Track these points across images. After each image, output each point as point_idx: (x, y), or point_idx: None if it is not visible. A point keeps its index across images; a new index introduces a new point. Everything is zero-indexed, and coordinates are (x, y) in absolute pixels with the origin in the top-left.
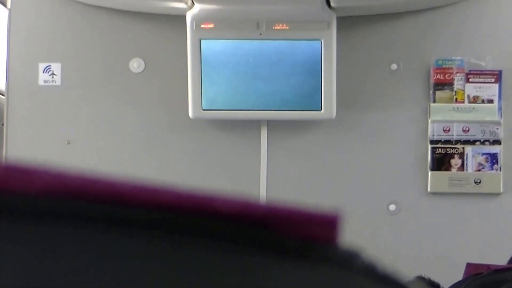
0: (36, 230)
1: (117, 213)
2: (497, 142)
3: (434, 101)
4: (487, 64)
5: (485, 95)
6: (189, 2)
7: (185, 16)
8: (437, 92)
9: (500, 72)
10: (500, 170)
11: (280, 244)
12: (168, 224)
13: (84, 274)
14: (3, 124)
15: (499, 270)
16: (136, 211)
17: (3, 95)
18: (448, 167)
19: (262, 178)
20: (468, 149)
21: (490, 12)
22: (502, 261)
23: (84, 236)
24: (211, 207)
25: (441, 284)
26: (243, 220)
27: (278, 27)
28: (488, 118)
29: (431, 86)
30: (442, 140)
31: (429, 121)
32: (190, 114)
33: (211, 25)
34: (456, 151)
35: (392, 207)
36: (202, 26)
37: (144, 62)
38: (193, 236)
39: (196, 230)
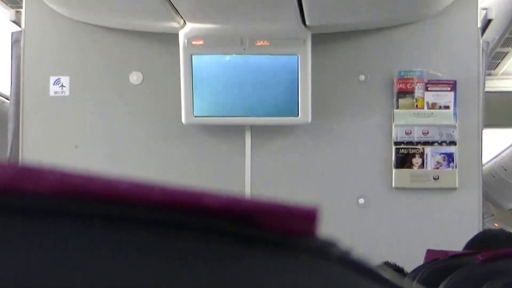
0: (44, 227)
1: (116, 210)
2: (453, 143)
3: (397, 108)
4: (443, 74)
5: (442, 102)
6: (181, 22)
7: (177, 34)
8: (400, 100)
9: (455, 82)
10: (456, 168)
11: (263, 237)
12: (162, 220)
13: (87, 267)
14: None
15: (455, 255)
16: (133, 209)
17: (8, 99)
18: (410, 165)
19: (246, 176)
20: (428, 149)
21: (446, 29)
22: (458, 248)
23: (87, 232)
24: (200, 203)
25: (405, 268)
26: (229, 214)
27: (260, 43)
28: (444, 122)
29: (395, 94)
30: (405, 142)
31: (393, 125)
32: (183, 120)
33: (200, 42)
34: (417, 151)
35: (361, 200)
36: (193, 42)
37: (142, 75)
38: (185, 230)
39: (187, 225)
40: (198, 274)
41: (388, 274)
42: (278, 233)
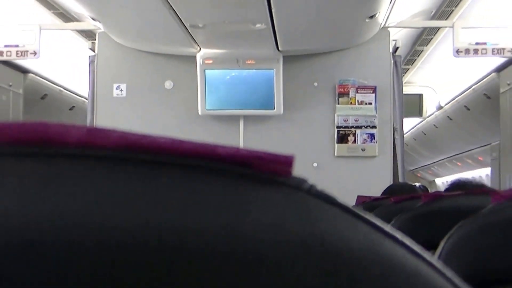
0: (109, 170)
1: (159, 157)
2: (374, 127)
3: (339, 104)
4: (368, 82)
5: (367, 100)
6: (198, 48)
7: (195, 56)
8: (340, 99)
9: (375, 87)
10: (376, 143)
11: (257, 176)
12: (189, 165)
13: (139, 197)
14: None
15: (375, 199)
16: (170, 156)
17: (86, 99)
18: (346, 141)
19: None
20: (358, 131)
21: (370, 52)
22: (377, 194)
23: (139, 174)
24: (215, 152)
25: None
26: (235, 160)
27: (249, 62)
28: (369, 114)
29: (336, 95)
30: (343, 126)
31: (336, 115)
32: (199, 112)
33: (211, 61)
34: (351, 132)
35: (315, 164)
36: (206, 61)
37: (173, 83)
38: (205, 172)
39: (207, 168)
40: (216, 200)
41: (340, 201)
42: (267, 173)
